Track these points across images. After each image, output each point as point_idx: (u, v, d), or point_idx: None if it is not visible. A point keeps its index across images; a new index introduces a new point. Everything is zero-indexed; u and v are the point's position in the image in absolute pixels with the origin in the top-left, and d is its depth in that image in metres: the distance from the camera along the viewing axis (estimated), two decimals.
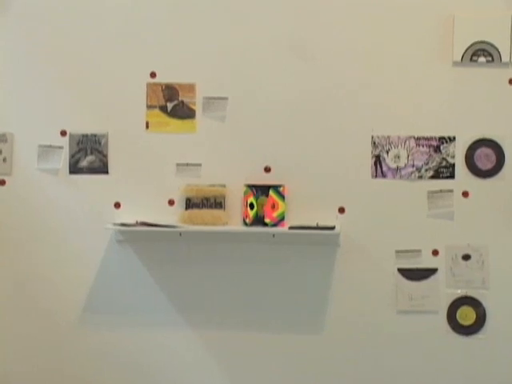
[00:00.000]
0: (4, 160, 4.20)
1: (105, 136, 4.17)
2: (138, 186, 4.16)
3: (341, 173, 4.06)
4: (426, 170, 4.03)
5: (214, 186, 4.11)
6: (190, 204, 4.11)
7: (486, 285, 4.02)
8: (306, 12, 4.07)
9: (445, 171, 4.03)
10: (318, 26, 4.06)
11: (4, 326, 4.22)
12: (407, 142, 4.04)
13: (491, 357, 4.03)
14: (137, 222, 4.07)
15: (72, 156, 4.19)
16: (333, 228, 3.95)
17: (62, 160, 4.19)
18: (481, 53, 3.97)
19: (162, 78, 4.14)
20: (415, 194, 4.04)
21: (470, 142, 4.02)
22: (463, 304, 4.03)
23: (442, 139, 4.03)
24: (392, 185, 4.05)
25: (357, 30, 4.04)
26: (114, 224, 4.05)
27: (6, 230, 4.22)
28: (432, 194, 4.03)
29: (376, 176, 4.06)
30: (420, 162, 4.03)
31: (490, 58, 3.97)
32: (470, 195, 4.02)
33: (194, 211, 4.10)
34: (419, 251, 4.04)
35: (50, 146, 4.19)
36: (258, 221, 4.04)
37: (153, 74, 4.14)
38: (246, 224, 4.07)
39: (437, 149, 4.02)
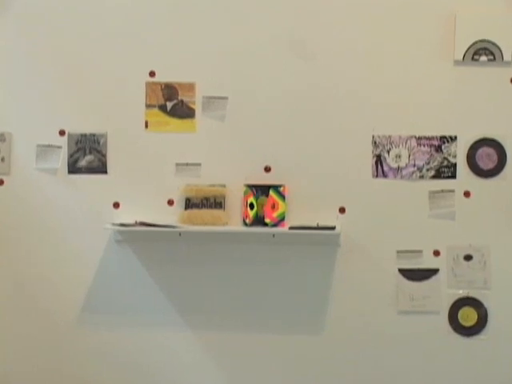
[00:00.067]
0: (2, 160, 4.19)
1: (104, 135, 4.16)
2: (137, 186, 4.15)
3: (341, 172, 4.06)
4: (428, 170, 4.02)
5: (213, 185, 4.10)
6: (189, 204, 4.10)
7: (488, 285, 4.01)
8: (306, 11, 4.06)
9: (446, 171, 4.02)
10: (318, 24, 4.06)
11: (2, 325, 4.21)
12: (408, 141, 4.03)
13: (493, 358, 4.02)
14: (136, 222, 4.06)
15: (71, 156, 4.18)
16: (333, 228, 3.94)
17: (61, 160, 4.18)
18: (482, 52, 3.96)
19: (162, 77, 4.13)
20: (416, 193, 4.03)
21: (471, 141, 4.01)
22: (465, 305, 4.02)
23: (443, 139, 4.01)
24: (393, 185, 4.04)
25: (357, 28, 4.04)
26: (113, 224, 4.04)
27: (4, 229, 4.21)
28: (433, 194, 4.02)
29: (377, 176, 4.05)
30: (421, 161, 4.02)
31: (491, 57, 3.96)
32: (471, 195, 4.02)
33: (194, 211, 4.09)
34: (420, 251, 4.03)
35: (49, 146, 4.19)
36: (258, 221, 4.04)
37: (152, 73, 4.14)
38: (245, 224, 4.06)
39: (438, 148, 4.01)
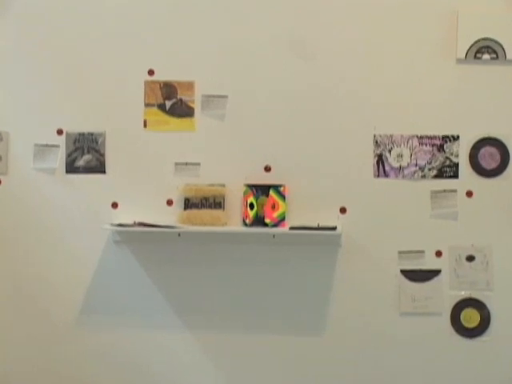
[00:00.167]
0: None
1: (102, 135, 4.15)
2: (135, 186, 4.14)
3: (342, 172, 4.05)
4: (430, 170, 4.01)
5: (213, 185, 4.09)
6: (188, 204, 4.09)
7: (491, 286, 3.99)
8: (306, 9, 4.05)
9: (448, 170, 4.00)
10: (318, 23, 4.05)
11: (1, 326, 4.21)
12: (410, 140, 4.01)
13: (495, 360, 4.00)
14: (134, 223, 4.05)
15: (68, 155, 4.17)
16: (334, 228, 3.93)
17: (59, 159, 4.18)
18: (485, 50, 3.95)
19: (161, 76, 4.12)
20: (418, 193, 4.02)
21: (473, 140, 3.99)
22: (467, 306, 4.01)
23: (445, 138, 4.00)
24: (394, 184, 4.03)
25: (358, 27, 4.03)
26: (112, 224, 4.03)
27: (1, 230, 4.21)
28: (435, 194, 4.00)
29: (378, 175, 4.03)
30: (423, 161, 4.01)
31: (494, 56, 3.95)
32: (474, 195, 4.00)
33: (193, 211, 4.07)
34: (422, 252, 4.02)
35: (46, 145, 4.18)
36: (258, 221, 4.03)
37: (151, 72, 4.13)
38: (245, 224, 4.05)
39: (440, 148, 4.00)
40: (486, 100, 3.96)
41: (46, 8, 4.15)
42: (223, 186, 4.08)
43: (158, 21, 4.12)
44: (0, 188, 4.19)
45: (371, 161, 4.03)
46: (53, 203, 4.17)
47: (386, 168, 4.02)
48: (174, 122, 4.12)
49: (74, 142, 4.16)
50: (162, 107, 4.12)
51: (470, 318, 4.00)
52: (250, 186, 4.05)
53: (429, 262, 4.01)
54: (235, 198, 4.07)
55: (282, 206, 4.01)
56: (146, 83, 4.12)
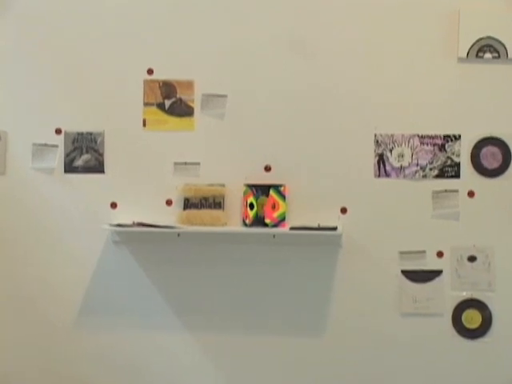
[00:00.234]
0: None
1: (101, 134, 4.14)
2: (134, 186, 4.13)
3: (343, 172, 4.04)
4: (431, 170, 4.00)
5: (212, 185, 4.08)
6: (188, 204, 4.08)
7: (492, 287, 3.99)
8: (307, 8, 4.05)
9: (450, 170, 3.99)
10: (319, 22, 4.04)
11: None
12: (411, 140, 4.00)
13: (497, 361, 4.00)
14: (134, 223, 4.04)
15: (67, 155, 4.16)
16: (335, 229, 3.92)
17: (57, 159, 4.17)
18: (487, 49, 3.94)
19: (160, 75, 4.11)
20: (419, 193, 4.01)
21: (475, 140, 3.99)
22: (469, 307, 4.00)
23: (446, 137, 3.99)
24: (395, 184, 4.02)
25: (359, 26, 4.02)
26: (111, 225, 4.02)
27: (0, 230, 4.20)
28: (437, 194, 3.99)
29: (379, 175, 4.03)
30: (424, 160, 4.00)
31: (496, 54, 3.94)
32: (475, 195, 3.99)
33: (193, 211, 4.06)
34: (423, 252, 4.01)
35: (45, 145, 4.17)
36: (258, 221, 4.02)
37: (150, 71, 4.12)
38: (245, 225, 4.04)
39: (442, 147, 3.99)
40: (488, 99, 3.96)
41: (45, 8, 4.14)
42: (223, 185, 4.07)
43: (157, 20, 4.11)
44: None
45: (372, 160, 4.02)
46: (51, 203, 4.16)
47: (387, 168, 4.01)
48: (174, 121, 4.11)
49: (73, 142, 4.15)
50: (161, 106, 4.11)
51: (472, 319, 3.99)
52: (250, 186, 4.04)
53: (430, 263, 4.00)
54: (235, 198, 4.06)
55: (282, 206, 4.00)
56: (145, 82, 4.11)
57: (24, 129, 4.16)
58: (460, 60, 3.95)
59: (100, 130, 4.13)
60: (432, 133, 3.98)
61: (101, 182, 4.14)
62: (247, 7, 4.07)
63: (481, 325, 3.99)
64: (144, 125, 4.11)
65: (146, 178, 4.12)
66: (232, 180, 4.05)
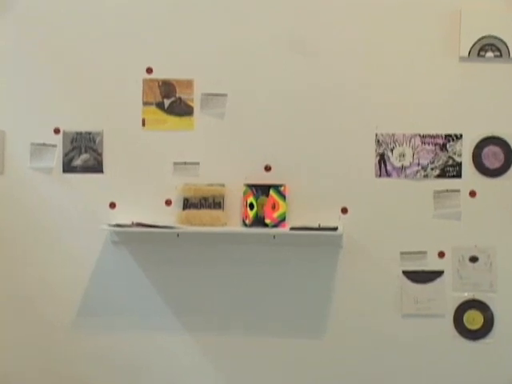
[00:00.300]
0: None
1: (100, 134, 4.13)
2: (133, 186, 4.12)
3: (344, 172, 4.03)
4: (432, 169, 3.99)
5: (212, 185, 4.07)
6: (187, 204, 4.07)
7: (494, 288, 3.98)
8: (308, 7, 4.04)
9: (451, 170, 3.99)
10: (320, 21, 4.04)
11: None
12: (412, 139, 4.00)
13: (499, 362, 3.99)
14: (133, 223, 4.04)
15: (66, 154, 4.15)
16: (335, 229, 3.91)
17: (56, 158, 4.16)
18: (488, 48, 3.94)
19: (159, 74, 4.11)
20: (421, 193, 4.00)
21: (477, 139, 3.98)
22: (470, 307, 4.00)
23: (448, 137, 3.98)
24: (397, 184, 4.02)
25: (360, 25, 4.02)
26: (109, 225, 4.02)
27: None
28: (438, 194, 3.99)
29: (380, 175, 4.02)
30: (426, 160, 3.99)
31: (498, 53, 3.94)
32: (477, 195, 3.99)
33: (192, 211, 4.05)
34: (425, 253, 4.01)
35: (43, 144, 4.16)
36: (258, 221, 4.01)
37: (149, 70, 4.11)
38: (245, 225, 4.03)
39: (443, 147, 3.98)
40: (490, 98, 3.95)
41: (44, 7, 4.13)
42: (223, 185, 4.06)
43: (157, 19, 4.10)
44: None
45: (373, 160, 4.01)
46: (50, 203, 4.15)
47: (388, 167, 4.01)
48: (173, 120, 4.10)
49: (72, 141, 4.14)
50: (160, 106, 4.10)
51: (474, 320, 3.98)
52: (250, 186, 4.03)
53: (431, 263, 4.00)
54: (235, 198, 4.05)
55: (282, 206, 3.99)
56: (145, 81, 4.10)
57: (22, 128, 4.15)
58: (461, 59, 3.95)
59: (99, 130, 4.12)
60: (433, 132, 3.98)
61: (100, 182, 4.13)
62: (247, 6, 4.06)
63: (482, 326, 3.98)
64: (143, 124, 4.11)
65: (145, 178, 4.11)
66: (232, 180, 4.04)
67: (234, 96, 4.07)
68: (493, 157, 3.96)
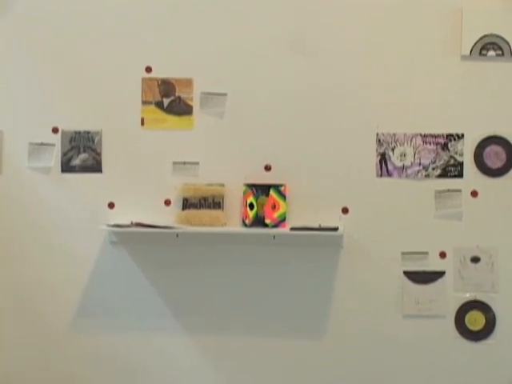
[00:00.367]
0: None
1: (98, 133, 4.12)
2: (132, 186, 4.12)
3: (344, 172, 4.02)
4: (434, 169, 3.98)
5: (212, 185, 4.06)
6: (187, 204, 4.06)
7: (496, 288, 3.97)
8: (308, 5, 4.04)
9: (453, 170, 3.98)
10: (320, 20, 4.03)
11: None
12: (413, 139, 3.99)
13: (501, 363, 3.98)
14: (132, 223, 4.03)
15: (64, 154, 4.15)
16: (336, 229, 3.90)
17: (54, 158, 4.15)
18: (490, 46, 3.93)
19: (158, 73, 4.10)
20: (422, 193, 3.99)
21: (479, 139, 3.97)
22: (472, 308, 3.99)
23: (449, 136, 3.97)
24: (398, 184, 4.01)
25: (361, 24, 4.01)
26: (108, 225, 4.01)
27: None
28: (439, 194, 3.98)
29: (381, 175, 4.01)
30: (427, 160, 3.98)
31: (499, 52, 3.93)
32: (479, 195, 3.98)
33: (192, 212, 4.05)
34: (426, 253, 4.00)
35: (42, 144, 4.15)
36: (258, 222, 4.00)
37: (148, 69, 4.11)
38: (245, 225, 4.03)
39: (444, 146, 3.97)
40: (492, 97, 3.94)
41: (42, 7, 4.13)
42: (222, 185, 4.05)
43: (156, 17, 4.09)
44: None
45: (374, 160, 4.01)
46: (48, 203, 4.15)
47: (389, 167, 4.00)
48: (172, 120, 4.10)
49: (70, 141, 4.13)
50: (159, 105, 4.10)
51: (475, 321, 3.98)
52: (250, 186, 4.02)
53: (433, 264, 3.99)
54: (235, 198, 4.04)
55: (282, 206, 3.99)
56: (144, 80, 4.10)
57: (20, 127, 4.15)
58: (463, 58, 3.94)
59: (97, 129, 4.11)
60: (435, 132, 3.97)
61: (98, 182, 4.12)
62: (247, 5, 4.05)
63: (484, 327, 3.97)
64: (142, 124, 4.10)
65: (144, 178, 4.10)
66: (232, 180, 4.04)
67: (233, 95, 4.06)
68: (495, 156, 3.95)
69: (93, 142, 4.11)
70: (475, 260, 3.96)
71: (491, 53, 3.91)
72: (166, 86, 4.08)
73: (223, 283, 4.07)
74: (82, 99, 4.11)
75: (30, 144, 4.14)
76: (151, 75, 4.09)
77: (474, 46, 3.91)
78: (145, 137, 4.10)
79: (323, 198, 4.02)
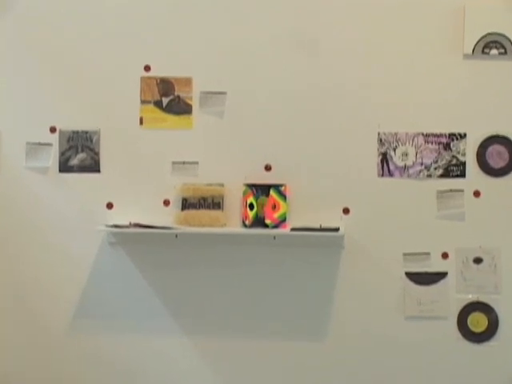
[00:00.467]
0: None
1: (96, 133, 4.12)
2: (131, 186, 4.11)
3: (345, 171, 4.02)
4: (436, 169, 3.97)
5: (211, 185, 4.05)
6: (186, 204, 4.05)
7: (499, 289, 3.97)
8: (308, 5, 4.04)
9: (455, 170, 3.97)
10: (322, 19, 4.04)
11: None
12: (415, 138, 3.98)
13: (504, 365, 3.97)
14: (130, 224, 4.03)
15: (62, 154, 4.14)
16: (337, 229, 3.90)
17: (52, 158, 4.15)
18: (493, 45, 3.93)
19: (157, 72, 4.10)
20: (424, 193, 3.98)
21: (481, 138, 3.97)
22: (474, 310, 3.98)
23: (452, 136, 3.97)
24: (399, 184, 4.00)
25: (363, 23, 4.02)
26: (107, 225, 4.02)
27: None
28: (441, 194, 3.97)
29: (382, 175, 4.01)
30: (429, 159, 3.98)
31: (502, 50, 3.92)
32: (481, 195, 3.97)
33: (191, 212, 4.03)
34: (428, 254, 3.99)
35: (39, 144, 4.15)
36: (258, 222, 4.00)
37: (147, 68, 4.11)
38: (245, 225, 4.02)
39: (447, 146, 3.97)
40: (494, 96, 3.94)
41: (41, 6, 4.13)
42: (222, 185, 4.05)
43: (155, 16, 4.09)
44: None
45: (375, 159, 4.00)
46: (46, 203, 4.14)
47: (391, 167, 3.99)
48: (171, 119, 4.09)
49: (68, 140, 4.13)
50: (158, 104, 4.09)
51: (478, 323, 3.97)
52: (250, 186, 4.01)
53: (435, 265, 3.98)
54: (234, 198, 4.04)
55: (282, 207, 3.98)
56: (143, 79, 4.09)
57: (18, 127, 4.15)
58: (465, 56, 3.93)
59: (96, 129, 4.11)
60: (437, 131, 3.96)
61: (97, 182, 4.12)
62: (247, 4, 4.05)
63: (487, 328, 3.96)
64: (141, 123, 4.10)
65: (143, 178, 4.10)
66: (231, 180, 4.03)
67: (233, 94, 4.06)
68: (497, 156, 3.94)
69: (91, 141, 4.11)
70: (478, 261, 3.95)
71: (494, 51, 3.90)
72: (165, 85, 4.08)
73: (223, 284, 4.06)
74: (79, 98, 4.11)
75: (28, 143, 4.13)
76: (150, 74, 4.08)
77: (476, 45, 3.90)
78: (144, 136, 4.09)
79: (324, 198, 4.01)
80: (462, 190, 3.95)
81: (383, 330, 4.00)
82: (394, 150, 3.97)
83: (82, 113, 4.11)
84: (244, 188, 4.01)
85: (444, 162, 3.95)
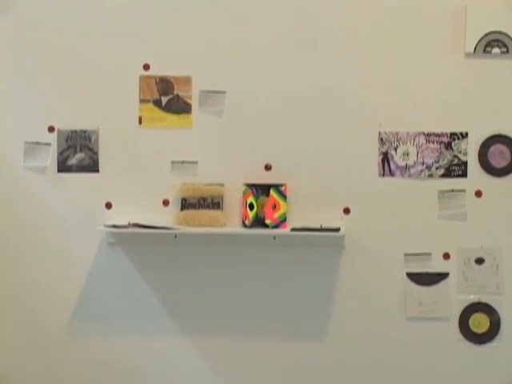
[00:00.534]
0: None
1: (95, 132, 4.11)
2: (130, 186, 4.10)
3: (346, 171, 4.01)
4: (437, 168, 3.97)
5: (211, 185, 4.05)
6: (185, 204, 4.05)
7: (501, 290, 3.96)
8: (308, 5, 4.04)
9: (456, 169, 3.96)
10: (322, 19, 4.03)
11: None
12: (417, 138, 3.97)
13: (506, 366, 3.96)
14: (129, 224, 4.02)
15: (60, 153, 4.13)
16: (337, 230, 3.89)
17: (50, 157, 4.14)
18: (495, 43, 3.92)
19: (156, 71, 4.09)
20: (425, 193, 3.98)
21: (483, 138, 3.96)
22: (476, 310, 3.97)
23: (453, 135, 3.96)
24: (400, 184, 3.99)
25: (364, 22, 4.01)
26: (105, 225, 4.01)
27: None
28: (443, 194, 3.96)
29: (383, 174, 4.00)
30: (430, 159, 3.97)
31: (504, 49, 3.92)
32: (483, 195, 3.96)
33: (190, 212, 4.03)
34: (429, 254, 3.98)
35: (37, 143, 4.14)
36: (258, 222, 3.99)
37: (146, 67, 4.10)
38: (245, 225, 4.02)
39: (448, 146, 3.96)
40: (496, 96, 3.93)
41: (40, 6, 4.12)
42: (222, 185, 4.04)
43: (154, 15, 4.08)
44: None
45: (376, 159, 3.99)
46: (44, 203, 4.13)
47: (392, 167, 3.99)
48: (171, 118, 4.08)
49: (66, 140, 4.12)
50: (157, 103, 4.09)
51: (479, 323, 3.96)
52: (250, 186, 4.01)
53: (436, 265, 3.97)
54: (234, 198, 4.03)
55: (283, 207, 3.98)
56: (141, 78, 4.09)
57: (16, 126, 4.13)
58: (467, 55, 3.93)
59: (94, 128, 4.10)
60: (438, 130, 3.96)
61: (95, 182, 4.11)
62: (247, 4, 4.04)
63: (489, 329, 3.96)
64: (140, 122, 4.09)
65: (142, 178, 4.09)
66: (231, 179, 4.02)
67: (233, 93, 4.06)
68: (499, 156, 3.94)
69: (89, 141, 4.10)
70: (479, 261, 3.95)
71: (496, 50, 3.90)
72: (165, 84, 4.07)
73: (222, 285, 4.05)
74: (78, 97, 4.10)
75: (26, 143, 4.13)
76: (149, 73, 4.08)
77: (478, 44, 3.90)
78: (143, 136, 4.09)
79: (324, 198, 4.00)
80: (463, 190, 3.94)
81: (384, 330, 4.00)
82: (395, 149, 3.97)
83: (80, 112, 4.10)
84: (244, 188, 4.01)
85: (445, 161, 3.95)
